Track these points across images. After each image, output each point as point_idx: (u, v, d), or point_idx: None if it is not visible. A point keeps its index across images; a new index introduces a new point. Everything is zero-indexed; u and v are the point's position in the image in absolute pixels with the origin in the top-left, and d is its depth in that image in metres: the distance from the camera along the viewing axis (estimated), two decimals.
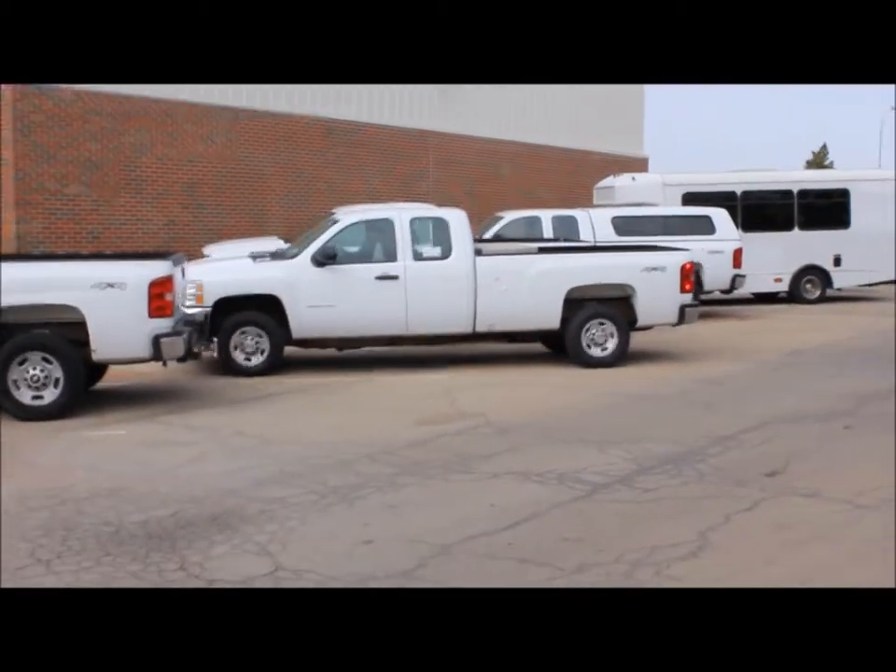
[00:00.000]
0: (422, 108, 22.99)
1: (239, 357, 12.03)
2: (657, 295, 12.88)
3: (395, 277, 12.31)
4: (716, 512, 6.32)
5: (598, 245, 17.13)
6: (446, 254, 12.55)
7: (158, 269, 9.70)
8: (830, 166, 61.83)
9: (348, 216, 12.94)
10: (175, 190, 18.29)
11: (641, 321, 13.04)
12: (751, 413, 9.53)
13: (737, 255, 19.31)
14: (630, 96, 29.91)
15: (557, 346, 13.46)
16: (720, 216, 19.80)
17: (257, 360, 12.06)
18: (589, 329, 12.74)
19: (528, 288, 12.55)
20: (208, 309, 11.90)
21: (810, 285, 22.53)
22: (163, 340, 9.60)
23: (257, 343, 12.05)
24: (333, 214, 15.02)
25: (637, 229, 19.18)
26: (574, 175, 26.55)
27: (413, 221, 12.62)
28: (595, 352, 12.76)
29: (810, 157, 66.88)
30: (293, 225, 19.17)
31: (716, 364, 12.81)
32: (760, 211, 22.43)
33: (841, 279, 22.70)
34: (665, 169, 30.14)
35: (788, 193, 22.81)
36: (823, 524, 6.13)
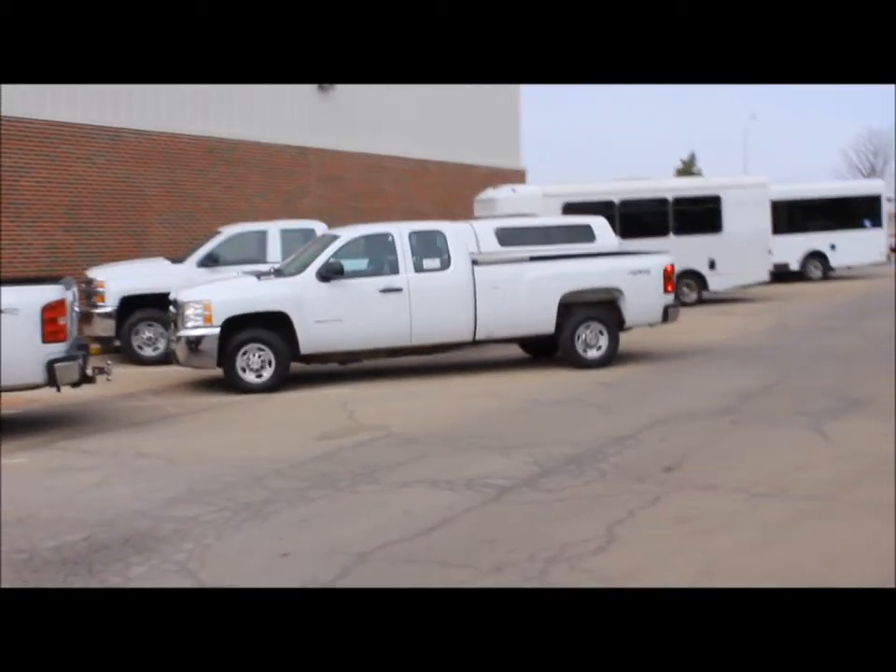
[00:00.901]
0: (302, 124, 22.98)
1: (249, 375, 12.03)
2: (643, 297, 13.55)
3: (399, 290, 12.59)
4: (620, 508, 6.57)
5: (589, 252, 16.85)
6: (445, 265, 12.91)
7: (50, 293, 9.58)
8: (699, 173, 63.86)
9: (348, 231, 13.17)
10: (57, 213, 17.93)
11: (629, 322, 13.65)
12: (645, 413, 9.87)
13: None
14: (506, 110, 30.40)
15: (536, 350, 14.25)
16: (599, 224, 20.17)
17: (266, 377, 12.04)
18: (582, 331, 13.29)
19: (526, 295, 13.07)
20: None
21: (687, 288, 23.25)
22: (58, 365, 9.48)
23: (262, 359, 12.06)
24: (220, 233, 15.03)
25: (521, 239, 19.43)
26: (455, 189, 26.85)
27: (411, 235, 12.95)
28: (591, 353, 13.34)
29: (680, 165, 68.96)
30: (177, 245, 18.95)
31: (607, 368, 13.16)
32: (637, 219, 23.06)
33: (716, 282, 23.52)
34: (542, 180, 30.80)
35: (663, 201, 23.56)
36: (722, 514, 6.44)
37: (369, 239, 13.15)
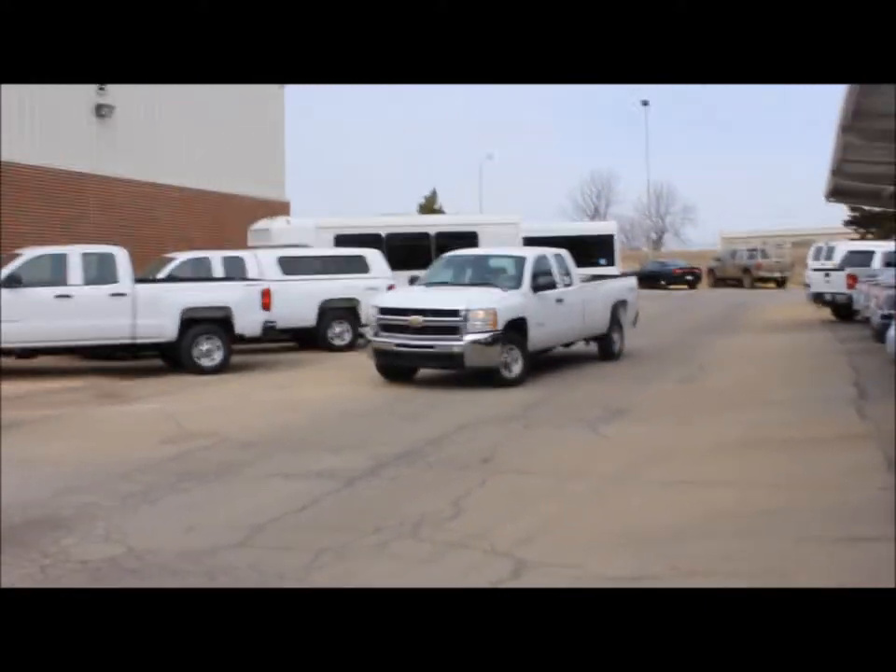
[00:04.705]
0: (80, 150, 23.32)
1: (506, 371, 14.25)
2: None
3: (562, 300, 15.72)
4: (456, 489, 7.98)
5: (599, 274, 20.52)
6: (572, 282, 16.38)
7: None
8: (440, 209, 66.85)
9: (525, 251, 16.57)
10: None
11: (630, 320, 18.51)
12: (446, 420, 11.33)
13: (390, 289, 21.38)
14: (272, 143, 31.57)
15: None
16: (373, 255, 21.80)
17: (517, 372, 14.40)
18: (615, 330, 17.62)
19: (600, 304, 17.24)
20: None
21: None
22: None
23: (514, 356, 14.39)
24: (20, 255, 15.45)
25: (301, 267, 20.77)
26: (225, 218, 27.73)
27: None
28: (617, 346, 17.68)
29: (423, 201, 71.90)
30: None
31: (396, 384, 14.55)
32: (402, 251, 24.67)
33: None
34: (304, 211, 32.12)
35: (426, 235, 25.36)
36: (540, 489, 8.00)
37: (544, 259, 15.96)
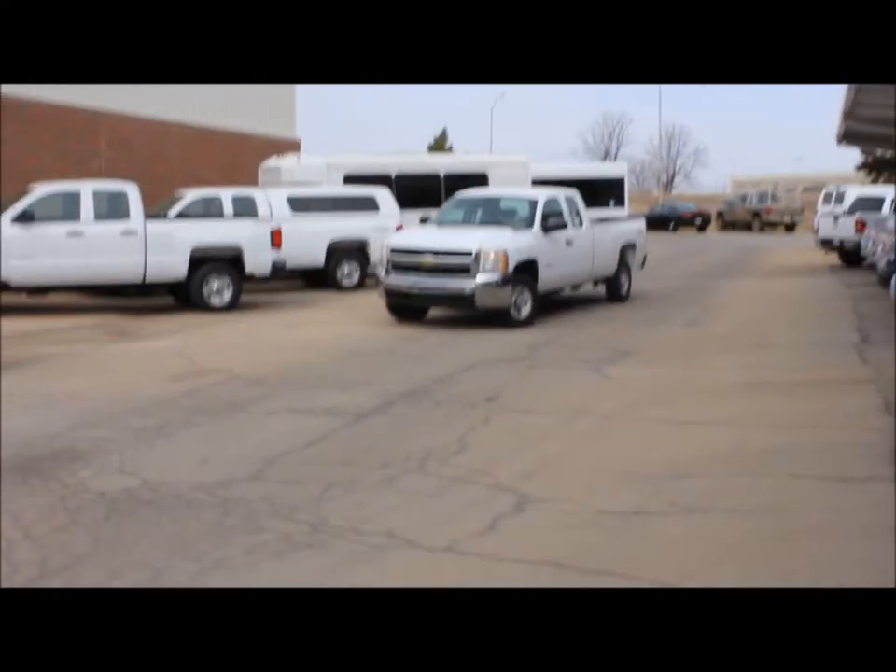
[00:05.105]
0: (93, 86, 23.26)
1: (515, 311, 14.42)
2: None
3: (571, 242, 15.88)
4: (461, 426, 8.16)
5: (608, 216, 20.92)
6: (582, 224, 16.50)
7: None
8: (450, 149, 66.52)
9: (536, 192, 16.63)
10: None
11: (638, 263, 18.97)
12: (453, 360, 11.51)
13: (398, 229, 21.44)
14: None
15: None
16: (382, 195, 21.85)
17: (525, 313, 14.58)
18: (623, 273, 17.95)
19: (609, 246, 17.41)
20: None
21: None
22: None
23: (525, 298, 14.57)
24: (31, 191, 15.54)
25: (310, 207, 20.85)
26: (236, 156, 27.74)
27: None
28: (625, 288, 18.02)
29: (432, 140, 71.48)
30: None
31: (405, 323, 14.71)
32: (412, 191, 24.68)
33: None
34: (314, 149, 32.06)
35: (435, 176, 25.35)
36: (542, 428, 8.18)
37: (555, 200, 16.10)
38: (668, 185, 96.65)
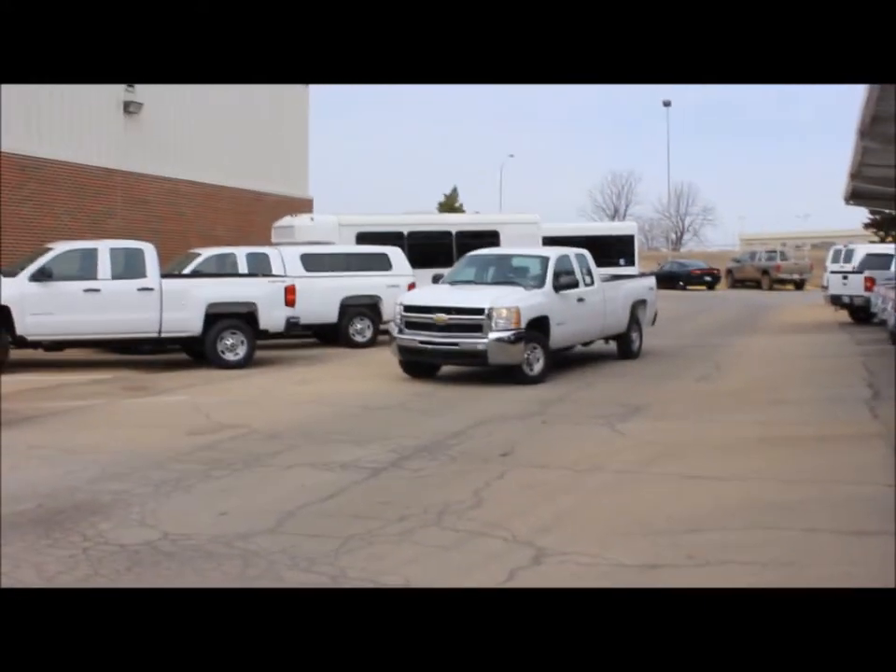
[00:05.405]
0: (109, 146, 23.74)
1: (527, 368, 14.49)
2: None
3: (583, 300, 16.02)
4: (476, 481, 8.24)
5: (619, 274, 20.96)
6: (593, 282, 16.68)
7: None
8: (460, 207, 67.15)
9: (547, 251, 16.82)
10: None
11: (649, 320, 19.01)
12: (466, 416, 11.60)
13: (410, 287, 21.63)
14: (295, 140, 31.92)
15: None
16: (395, 253, 22.08)
17: (537, 370, 14.65)
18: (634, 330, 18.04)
19: (620, 303, 17.48)
20: None
21: None
22: None
23: (537, 355, 14.68)
24: (51, 248, 15.73)
25: (324, 264, 21.08)
26: (249, 215, 28.12)
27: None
28: (636, 345, 18.09)
29: (443, 199, 72.14)
30: None
31: (417, 380, 14.83)
32: (424, 249, 24.94)
33: None
34: (326, 208, 32.47)
35: (447, 234, 25.63)
36: (556, 483, 8.25)
37: (566, 258, 16.29)
38: (677, 242, 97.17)
